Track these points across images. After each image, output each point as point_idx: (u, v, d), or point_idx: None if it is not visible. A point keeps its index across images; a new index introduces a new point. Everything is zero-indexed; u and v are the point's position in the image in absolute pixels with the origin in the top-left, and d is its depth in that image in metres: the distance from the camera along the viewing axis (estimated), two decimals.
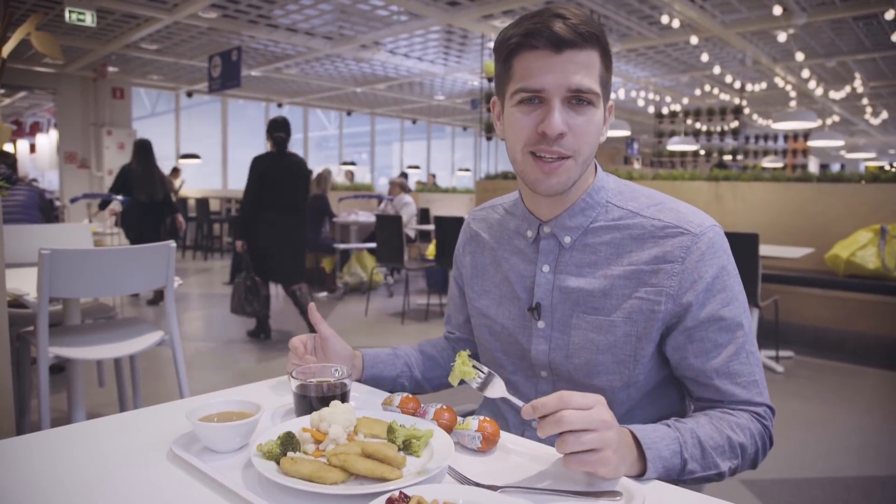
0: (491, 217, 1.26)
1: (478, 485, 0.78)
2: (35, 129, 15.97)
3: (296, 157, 4.89)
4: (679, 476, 0.91)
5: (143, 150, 6.12)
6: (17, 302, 2.24)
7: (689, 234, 1.01)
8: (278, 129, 4.76)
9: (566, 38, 0.95)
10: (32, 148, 15.21)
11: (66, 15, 7.00)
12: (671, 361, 1.05)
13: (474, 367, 0.94)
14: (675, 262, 1.00)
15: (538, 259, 1.11)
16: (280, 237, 4.78)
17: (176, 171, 12.10)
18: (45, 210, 3.81)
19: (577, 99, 0.97)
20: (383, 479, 0.76)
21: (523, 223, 1.15)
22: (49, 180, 13.73)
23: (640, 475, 0.86)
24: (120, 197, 6.01)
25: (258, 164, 4.71)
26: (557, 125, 0.96)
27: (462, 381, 0.95)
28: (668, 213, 1.04)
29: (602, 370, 1.05)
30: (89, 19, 7.13)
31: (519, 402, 0.88)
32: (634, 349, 1.03)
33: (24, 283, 2.35)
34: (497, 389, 0.93)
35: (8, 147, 4.57)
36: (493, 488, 0.77)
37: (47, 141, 14.25)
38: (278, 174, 4.70)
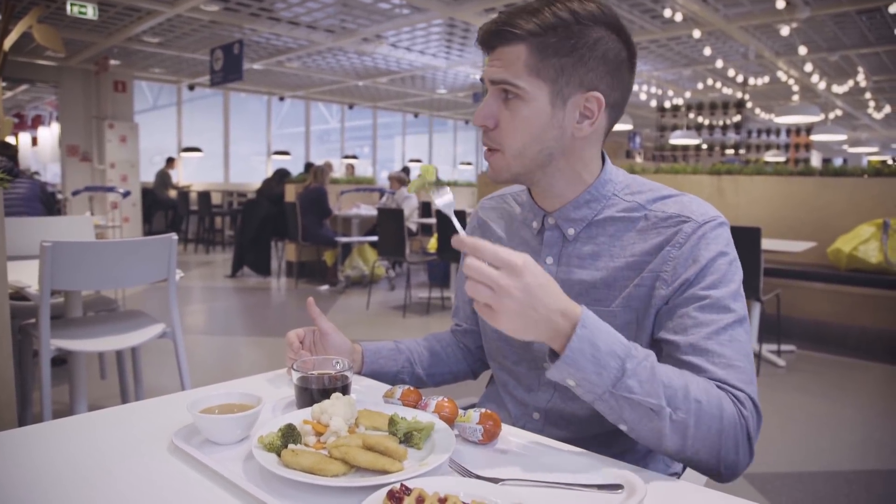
0: (500, 206, 1.26)
1: (479, 477, 0.78)
2: (37, 122, 15.93)
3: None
4: (613, 387, 0.82)
5: None
6: (19, 294, 2.24)
7: (691, 222, 0.99)
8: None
9: (486, 38, 1.01)
10: (34, 141, 15.16)
11: (68, 8, 7.00)
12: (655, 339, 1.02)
13: (437, 181, 0.96)
14: (674, 248, 0.99)
15: (542, 251, 1.10)
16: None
17: (171, 161, 12.14)
18: (48, 203, 3.81)
19: (505, 92, 1.01)
20: (384, 472, 0.76)
21: (529, 213, 1.15)
22: (52, 173, 13.73)
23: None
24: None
25: None
26: (478, 115, 1.02)
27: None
28: (674, 206, 1.03)
29: None
30: (91, 12, 7.13)
31: (460, 230, 0.86)
32: (636, 337, 1.02)
33: (25, 275, 2.35)
34: (444, 200, 0.95)
35: (10, 139, 4.56)
36: (495, 481, 0.77)
37: (49, 134, 14.21)
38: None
